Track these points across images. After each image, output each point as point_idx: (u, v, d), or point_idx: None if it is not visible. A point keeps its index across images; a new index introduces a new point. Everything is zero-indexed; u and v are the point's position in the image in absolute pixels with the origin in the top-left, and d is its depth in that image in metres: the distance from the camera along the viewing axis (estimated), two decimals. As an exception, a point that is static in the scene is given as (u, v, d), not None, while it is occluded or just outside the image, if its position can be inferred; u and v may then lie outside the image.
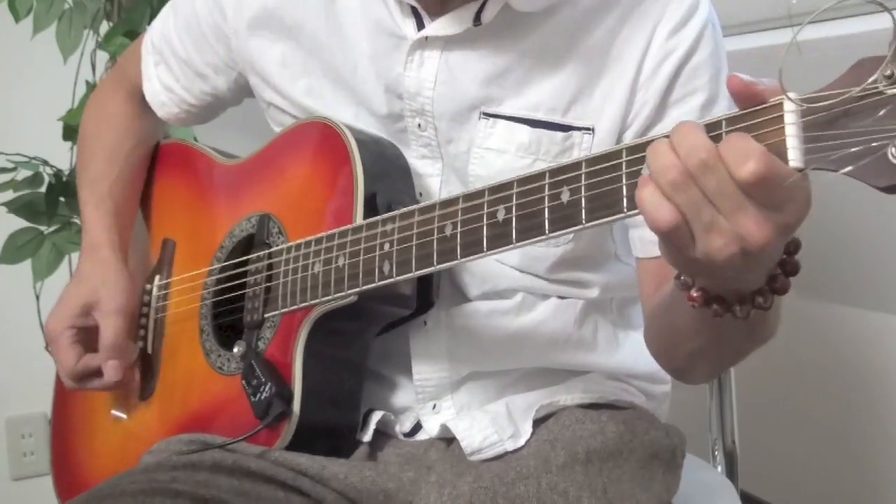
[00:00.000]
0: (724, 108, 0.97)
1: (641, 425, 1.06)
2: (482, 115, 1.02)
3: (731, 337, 0.84)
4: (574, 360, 1.09)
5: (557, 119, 1.00)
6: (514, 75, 1.01)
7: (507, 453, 1.01)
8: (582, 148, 1.00)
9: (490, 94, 1.01)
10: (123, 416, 1.20)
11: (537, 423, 1.03)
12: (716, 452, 1.41)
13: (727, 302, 0.76)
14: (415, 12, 1.02)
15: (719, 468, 1.40)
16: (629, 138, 1.00)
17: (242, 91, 1.21)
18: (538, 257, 1.04)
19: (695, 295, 0.76)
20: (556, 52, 1.00)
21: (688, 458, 1.11)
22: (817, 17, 0.65)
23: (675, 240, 0.70)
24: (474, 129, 1.02)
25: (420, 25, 1.02)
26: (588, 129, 1.00)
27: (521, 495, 0.95)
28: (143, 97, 1.26)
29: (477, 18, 0.99)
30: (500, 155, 1.01)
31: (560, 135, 1.00)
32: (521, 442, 1.01)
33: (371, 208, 0.99)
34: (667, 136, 0.70)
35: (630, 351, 1.11)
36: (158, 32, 1.24)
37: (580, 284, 1.07)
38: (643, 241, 1.01)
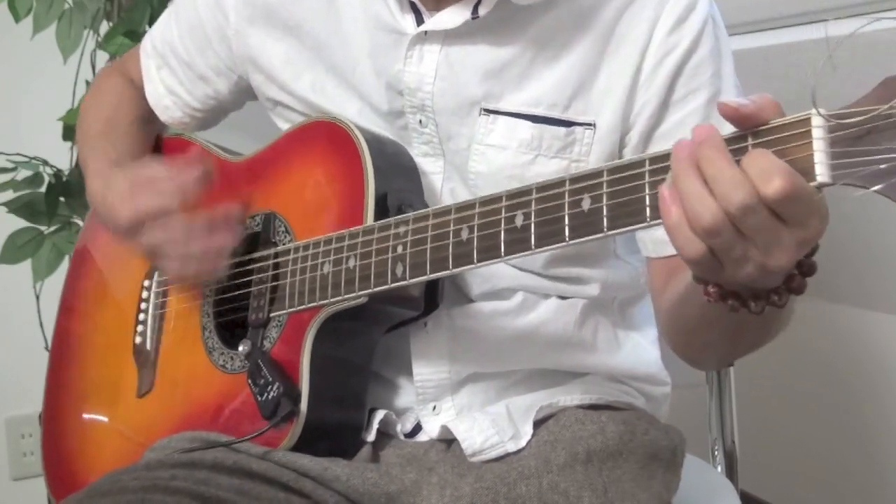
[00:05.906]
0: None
1: (641, 426, 1.06)
2: (482, 112, 1.02)
3: (745, 329, 0.86)
4: (574, 361, 1.09)
5: (559, 115, 1.00)
6: (514, 69, 1.01)
7: (507, 454, 1.01)
8: (584, 143, 1.00)
9: (490, 89, 1.01)
10: (120, 414, 1.19)
11: (537, 423, 1.03)
12: (716, 452, 1.41)
13: (742, 298, 0.77)
14: (414, 7, 1.02)
15: (719, 468, 1.40)
16: (633, 139, 1.01)
17: (244, 94, 1.21)
18: None
19: (711, 290, 0.77)
20: (556, 46, 1.00)
21: (688, 458, 1.11)
22: (846, 38, 0.65)
23: (703, 266, 0.72)
24: (474, 126, 1.02)
25: (419, 21, 1.02)
26: (590, 124, 1.00)
27: (523, 495, 0.96)
28: (143, 89, 1.25)
29: (475, 12, 0.99)
30: (501, 151, 1.01)
31: (562, 130, 1.00)
32: (522, 443, 1.01)
33: (381, 209, 0.99)
34: (690, 141, 0.71)
35: (630, 352, 1.11)
36: (159, 36, 1.24)
37: (579, 281, 1.07)
38: (655, 242, 1.01)
